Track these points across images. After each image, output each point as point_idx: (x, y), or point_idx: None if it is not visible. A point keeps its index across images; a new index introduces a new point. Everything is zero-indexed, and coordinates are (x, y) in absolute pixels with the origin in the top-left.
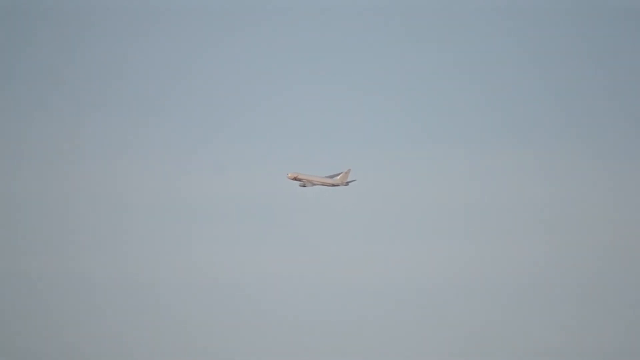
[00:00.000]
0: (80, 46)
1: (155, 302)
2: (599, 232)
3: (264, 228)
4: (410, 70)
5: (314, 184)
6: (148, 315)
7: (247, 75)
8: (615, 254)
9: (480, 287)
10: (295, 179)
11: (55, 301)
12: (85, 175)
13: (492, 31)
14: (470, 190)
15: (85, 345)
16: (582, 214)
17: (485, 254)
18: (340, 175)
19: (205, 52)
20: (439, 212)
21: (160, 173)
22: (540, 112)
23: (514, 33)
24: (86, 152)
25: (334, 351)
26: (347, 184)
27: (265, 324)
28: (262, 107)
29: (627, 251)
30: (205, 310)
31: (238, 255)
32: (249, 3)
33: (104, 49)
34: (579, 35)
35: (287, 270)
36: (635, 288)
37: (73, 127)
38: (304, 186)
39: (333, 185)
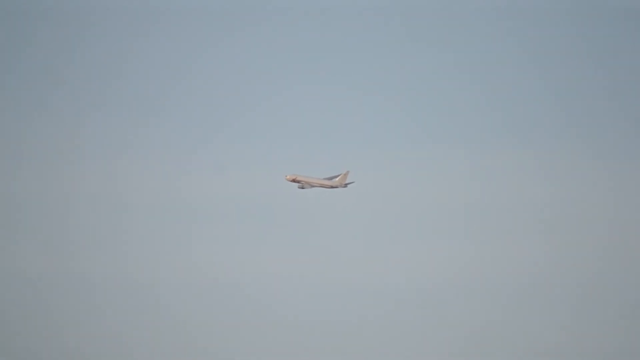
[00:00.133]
0: (80, 46)
1: (155, 302)
2: (599, 232)
3: (264, 228)
4: (410, 71)
5: (313, 186)
6: (148, 315)
7: (247, 75)
8: (615, 254)
9: (480, 287)
10: (294, 180)
11: (55, 301)
12: (85, 175)
13: (492, 31)
14: (470, 190)
15: (85, 345)
16: (582, 214)
17: (485, 254)
18: (339, 177)
19: (205, 52)
20: (438, 213)
21: (160, 173)
22: (540, 112)
23: (514, 33)
24: (86, 152)
25: (333, 351)
26: (345, 185)
27: (264, 324)
28: (262, 107)
29: (627, 251)
30: (204, 310)
31: (238, 256)
32: (249, 3)
33: (104, 49)
34: (579, 35)
35: (287, 270)
36: (636, 288)
37: (73, 127)
38: (303, 188)
39: (332, 187)
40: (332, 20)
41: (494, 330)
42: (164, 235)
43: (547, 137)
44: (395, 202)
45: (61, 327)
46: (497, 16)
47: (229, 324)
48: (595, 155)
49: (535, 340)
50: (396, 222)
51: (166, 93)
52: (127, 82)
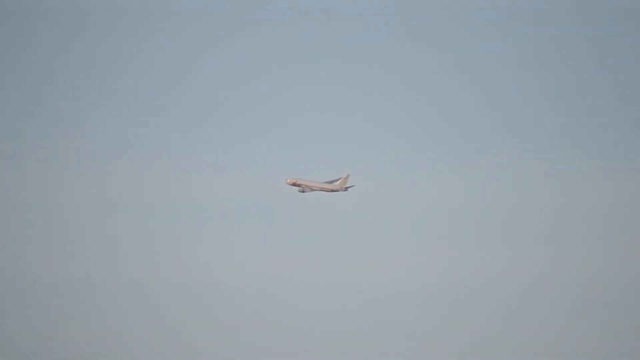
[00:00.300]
0: (80, 46)
1: (154, 302)
2: (599, 233)
3: (264, 229)
4: (410, 71)
5: (313, 190)
6: (148, 316)
7: (247, 76)
8: (616, 255)
9: (480, 288)
10: (294, 184)
11: (55, 301)
12: (85, 175)
13: (492, 31)
14: (470, 192)
15: (85, 345)
16: (582, 215)
17: (486, 256)
18: (340, 180)
19: (205, 52)
20: (439, 215)
21: (160, 173)
22: (540, 113)
23: (514, 33)
24: (86, 152)
25: (333, 352)
26: (346, 189)
27: (264, 325)
28: (262, 107)
29: (627, 252)
30: (204, 311)
31: (237, 257)
32: (249, 3)
33: (104, 49)
34: (579, 35)
35: (287, 271)
36: (636, 289)
37: (73, 127)
38: (303, 192)
39: (332, 190)
40: (332, 20)
41: (494, 331)
42: (164, 235)
43: (549, 138)
44: (395, 203)
45: (61, 328)
46: (497, 16)
47: (229, 325)
48: (595, 156)
49: (535, 341)
50: (396, 224)
51: (166, 93)
52: (127, 82)
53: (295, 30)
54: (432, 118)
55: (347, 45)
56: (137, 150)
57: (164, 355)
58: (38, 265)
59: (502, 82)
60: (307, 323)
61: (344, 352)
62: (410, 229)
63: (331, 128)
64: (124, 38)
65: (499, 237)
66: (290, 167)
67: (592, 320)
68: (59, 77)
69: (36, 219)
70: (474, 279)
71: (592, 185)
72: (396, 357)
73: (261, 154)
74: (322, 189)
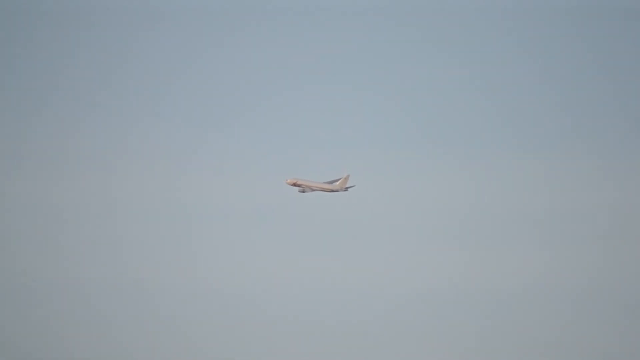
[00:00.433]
0: (80, 46)
1: (154, 302)
2: (600, 234)
3: (264, 229)
4: (410, 71)
5: (313, 190)
6: (147, 316)
7: (247, 76)
8: (617, 256)
9: (481, 289)
10: (294, 184)
11: (55, 302)
12: (85, 175)
13: (492, 31)
14: (471, 192)
15: (85, 345)
16: (583, 216)
17: (487, 257)
18: (340, 180)
19: (205, 52)
20: (439, 215)
21: (160, 173)
22: (540, 113)
23: (514, 33)
24: (86, 152)
25: (333, 353)
26: (346, 189)
27: (264, 325)
28: (262, 107)
29: (628, 253)
30: (204, 311)
31: (237, 256)
32: (249, 3)
33: (104, 49)
34: (579, 35)
35: (287, 271)
36: (636, 289)
37: (73, 127)
38: (304, 192)
39: (332, 190)
40: (333, 20)
41: (495, 332)
42: (164, 235)
43: (549, 138)
44: (395, 204)
45: (61, 328)
46: (497, 16)
47: (229, 325)
48: (595, 156)
49: (536, 341)
50: (396, 225)
51: (166, 93)
52: (127, 82)
53: (295, 30)
54: (433, 118)
55: (347, 46)
56: (137, 150)
57: (164, 355)
58: (38, 265)
59: (502, 82)
60: (307, 323)
61: (344, 353)
62: (411, 230)
63: (331, 128)
64: (124, 38)
65: (499, 237)
66: (290, 167)
67: (593, 320)
68: (59, 77)
69: (36, 219)
70: (475, 279)
71: (593, 185)
72: (397, 357)
73: (261, 154)
74: (323, 189)
